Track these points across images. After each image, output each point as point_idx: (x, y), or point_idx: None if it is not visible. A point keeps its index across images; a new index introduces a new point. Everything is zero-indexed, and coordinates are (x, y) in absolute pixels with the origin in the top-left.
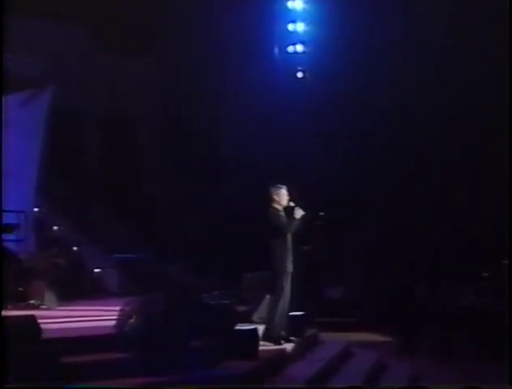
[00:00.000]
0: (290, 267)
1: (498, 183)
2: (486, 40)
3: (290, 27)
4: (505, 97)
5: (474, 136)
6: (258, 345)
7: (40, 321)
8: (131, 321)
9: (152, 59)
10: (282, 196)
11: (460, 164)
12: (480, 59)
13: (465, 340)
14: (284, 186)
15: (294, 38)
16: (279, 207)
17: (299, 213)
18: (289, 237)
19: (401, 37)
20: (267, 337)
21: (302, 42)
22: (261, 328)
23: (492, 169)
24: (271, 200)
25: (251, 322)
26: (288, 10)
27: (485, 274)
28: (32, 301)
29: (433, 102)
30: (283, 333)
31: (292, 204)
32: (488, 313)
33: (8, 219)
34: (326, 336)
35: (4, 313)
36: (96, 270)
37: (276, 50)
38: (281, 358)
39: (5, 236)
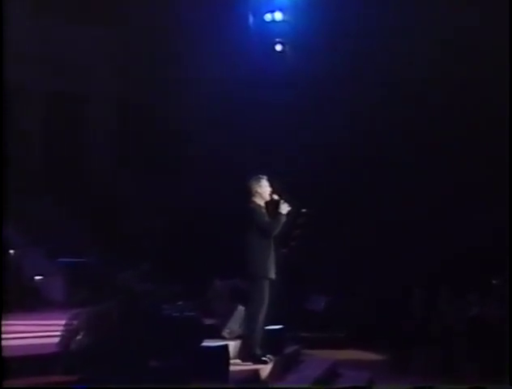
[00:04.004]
0: (272, 273)
1: (499, 187)
2: (485, 39)
3: None
4: (505, 97)
5: (474, 134)
6: (228, 365)
7: None
8: (79, 337)
9: (113, 30)
10: (264, 189)
11: (459, 165)
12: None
13: (464, 357)
14: (265, 177)
15: (272, 4)
16: (261, 202)
17: (285, 209)
18: (271, 237)
19: (393, 6)
20: (241, 355)
21: (281, 9)
22: (232, 345)
23: (492, 172)
24: (252, 193)
25: (221, 337)
26: None
27: (487, 283)
28: None
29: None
30: (259, 350)
31: (275, 198)
32: (488, 324)
33: None
34: (309, 354)
35: None
36: (37, 277)
37: (251, 19)
38: (256, 380)
39: None
